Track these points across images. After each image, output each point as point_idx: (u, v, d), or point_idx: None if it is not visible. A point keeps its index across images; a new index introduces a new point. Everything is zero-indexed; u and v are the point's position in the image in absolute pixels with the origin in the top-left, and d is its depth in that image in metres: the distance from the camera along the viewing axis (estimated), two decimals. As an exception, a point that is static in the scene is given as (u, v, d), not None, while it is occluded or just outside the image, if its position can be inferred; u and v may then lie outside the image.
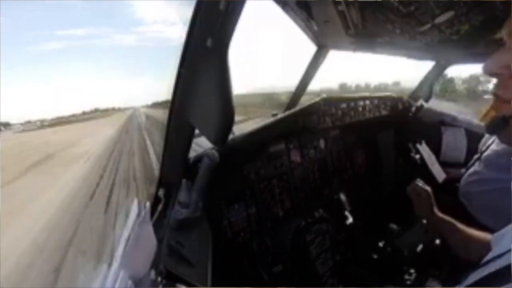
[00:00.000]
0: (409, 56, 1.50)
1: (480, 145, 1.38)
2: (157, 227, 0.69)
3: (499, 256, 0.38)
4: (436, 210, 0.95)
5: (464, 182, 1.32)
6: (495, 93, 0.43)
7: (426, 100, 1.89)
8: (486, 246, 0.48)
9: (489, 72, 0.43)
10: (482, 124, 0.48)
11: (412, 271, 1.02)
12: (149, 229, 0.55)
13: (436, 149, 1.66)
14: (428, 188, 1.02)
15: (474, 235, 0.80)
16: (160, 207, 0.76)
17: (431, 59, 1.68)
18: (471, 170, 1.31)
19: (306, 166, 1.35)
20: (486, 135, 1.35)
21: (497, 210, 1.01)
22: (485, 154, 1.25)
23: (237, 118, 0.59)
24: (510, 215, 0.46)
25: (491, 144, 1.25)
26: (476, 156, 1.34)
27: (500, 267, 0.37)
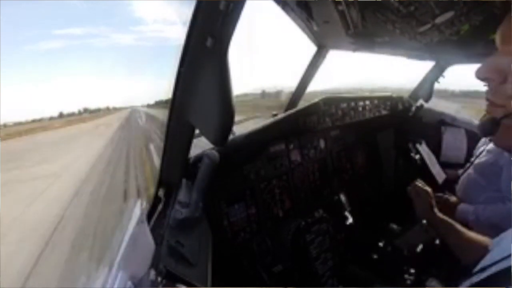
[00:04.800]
0: (409, 56, 1.50)
1: (475, 149, 1.39)
2: (157, 227, 0.69)
3: (500, 260, 0.38)
4: (436, 210, 0.95)
5: (459, 185, 1.33)
6: (487, 98, 0.44)
7: (426, 100, 1.89)
8: (483, 248, 0.48)
9: (480, 77, 0.43)
10: None
11: (412, 271, 1.02)
12: (146, 229, 0.55)
13: (436, 149, 1.66)
14: (428, 188, 1.02)
15: (472, 236, 0.81)
16: (160, 207, 0.76)
17: (431, 59, 1.68)
18: (466, 173, 1.32)
19: (306, 166, 1.34)
20: (482, 139, 1.36)
21: (487, 216, 1.03)
22: (477, 161, 1.27)
23: (237, 118, 0.59)
24: (498, 221, 0.46)
25: (483, 151, 1.27)
26: (472, 160, 1.35)
27: (499, 270, 0.36)
